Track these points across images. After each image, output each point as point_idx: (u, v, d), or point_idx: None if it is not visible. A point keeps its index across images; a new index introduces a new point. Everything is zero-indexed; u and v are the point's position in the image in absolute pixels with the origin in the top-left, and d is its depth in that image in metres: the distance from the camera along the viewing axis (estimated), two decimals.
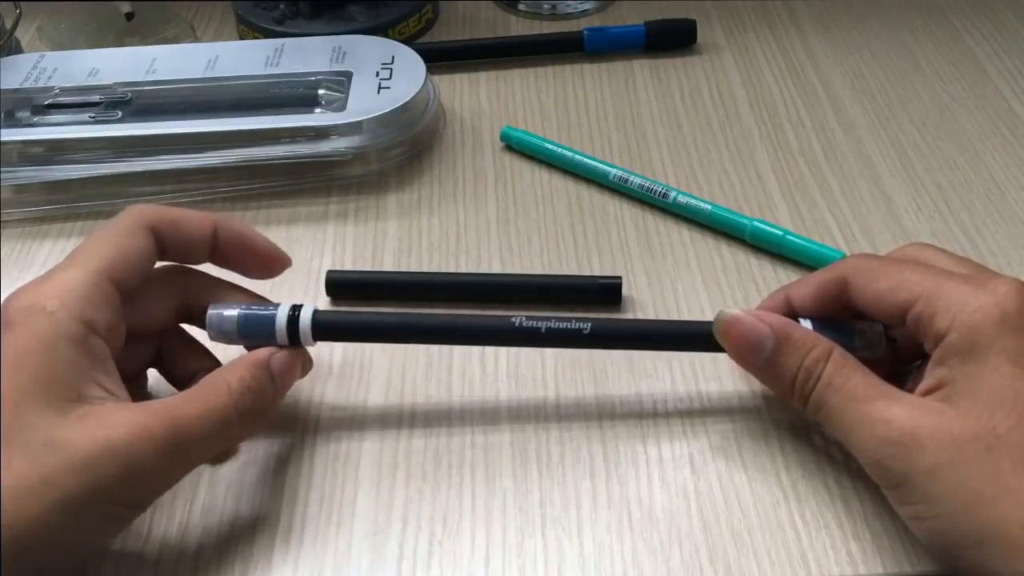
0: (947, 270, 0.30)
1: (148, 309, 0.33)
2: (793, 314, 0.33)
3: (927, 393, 0.29)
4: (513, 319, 0.34)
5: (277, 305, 0.33)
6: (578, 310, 0.39)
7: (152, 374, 0.36)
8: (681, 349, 0.35)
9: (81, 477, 0.27)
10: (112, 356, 0.30)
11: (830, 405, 0.30)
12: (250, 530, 0.32)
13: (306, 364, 0.34)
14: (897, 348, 0.33)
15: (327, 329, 0.33)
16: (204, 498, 0.33)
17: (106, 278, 0.30)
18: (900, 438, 0.27)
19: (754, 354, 0.31)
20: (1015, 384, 0.27)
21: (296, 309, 0.33)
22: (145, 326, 0.33)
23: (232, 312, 0.33)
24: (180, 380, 0.35)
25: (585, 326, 0.33)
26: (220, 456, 0.34)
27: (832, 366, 0.30)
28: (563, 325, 0.33)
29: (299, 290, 0.41)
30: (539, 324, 0.33)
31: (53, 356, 0.28)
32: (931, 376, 0.29)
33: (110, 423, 0.28)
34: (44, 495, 0.26)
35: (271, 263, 0.35)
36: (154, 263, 0.33)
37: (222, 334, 0.33)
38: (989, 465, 0.26)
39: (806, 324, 0.32)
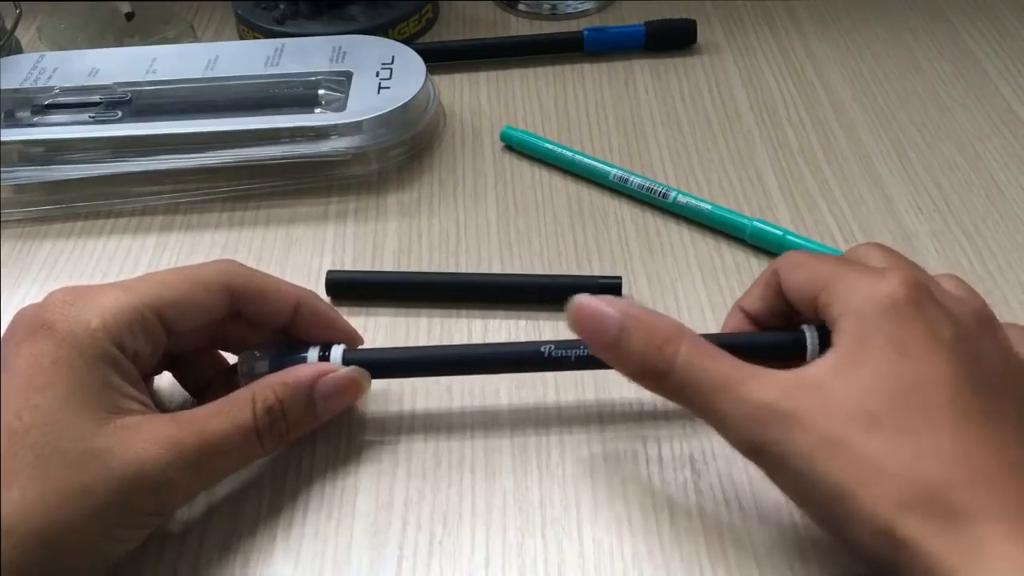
0: (859, 263, 0.31)
1: (183, 342, 0.33)
2: (754, 324, 0.34)
3: (814, 371, 0.28)
4: (542, 349, 0.33)
5: (307, 347, 0.33)
6: None
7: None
8: None
9: (118, 488, 0.27)
10: (142, 375, 0.31)
11: (695, 387, 0.29)
12: (250, 530, 0.32)
13: (362, 385, 0.33)
14: None
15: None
16: (204, 497, 0.33)
17: (155, 313, 0.31)
18: (780, 420, 0.27)
19: (603, 336, 0.30)
20: (895, 369, 0.27)
21: (326, 350, 0.33)
22: (174, 352, 0.33)
23: (264, 361, 0.33)
24: (194, 386, 0.35)
25: None
26: None
27: (690, 348, 0.29)
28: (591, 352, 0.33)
29: None
30: (569, 353, 0.33)
31: (91, 371, 0.29)
32: (823, 358, 0.28)
33: (146, 437, 0.28)
34: (81, 503, 0.27)
35: (346, 342, 0.34)
36: (217, 319, 0.32)
37: (252, 378, 0.33)
38: (865, 448, 0.26)
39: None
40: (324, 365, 0.33)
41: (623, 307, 0.31)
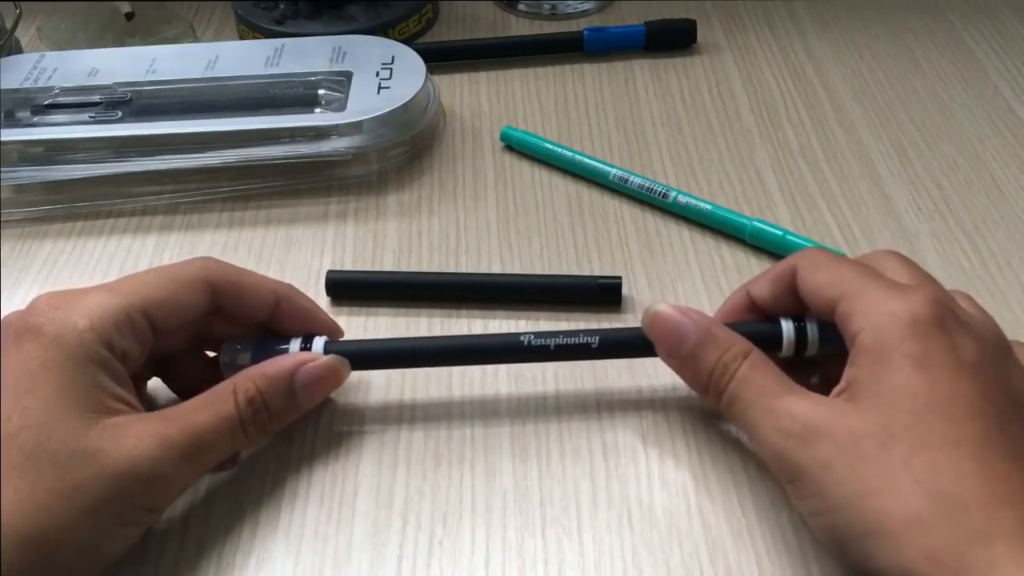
0: (883, 276, 0.30)
1: (168, 341, 0.33)
2: (754, 307, 0.34)
3: (839, 394, 0.29)
4: (522, 338, 0.33)
5: (289, 339, 0.34)
6: (578, 310, 0.39)
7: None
8: None
9: (110, 484, 0.28)
10: (131, 376, 0.31)
11: (742, 400, 0.30)
12: (251, 530, 0.32)
13: (341, 373, 0.34)
14: None
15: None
16: (205, 497, 0.33)
17: (141, 313, 0.31)
18: (802, 431, 0.28)
19: (677, 347, 0.32)
20: (914, 385, 0.27)
21: (308, 341, 0.34)
22: (159, 351, 0.33)
23: (245, 352, 0.33)
24: (183, 390, 0.35)
25: (593, 340, 0.33)
26: (224, 464, 0.34)
27: (748, 364, 0.30)
28: (571, 341, 0.33)
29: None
30: (548, 341, 0.33)
31: (79, 372, 0.29)
32: (844, 377, 0.29)
33: (135, 434, 0.29)
34: (74, 502, 0.27)
35: (328, 336, 0.35)
36: (200, 316, 0.33)
37: (235, 370, 0.33)
38: (881, 460, 0.26)
39: (812, 327, 0.33)
40: (303, 355, 0.33)
41: (700, 320, 0.32)
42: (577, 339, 0.33)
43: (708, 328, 0.31)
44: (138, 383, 0.35)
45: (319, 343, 0.34)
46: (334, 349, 0.34)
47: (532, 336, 0.33)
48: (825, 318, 0.31)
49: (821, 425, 0.27)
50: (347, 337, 0.36)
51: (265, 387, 0.32)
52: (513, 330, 0.39)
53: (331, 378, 0.33)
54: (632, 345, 0.34)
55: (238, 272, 0.34)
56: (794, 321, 0.33)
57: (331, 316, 0.36)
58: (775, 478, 0.31)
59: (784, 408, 0.29)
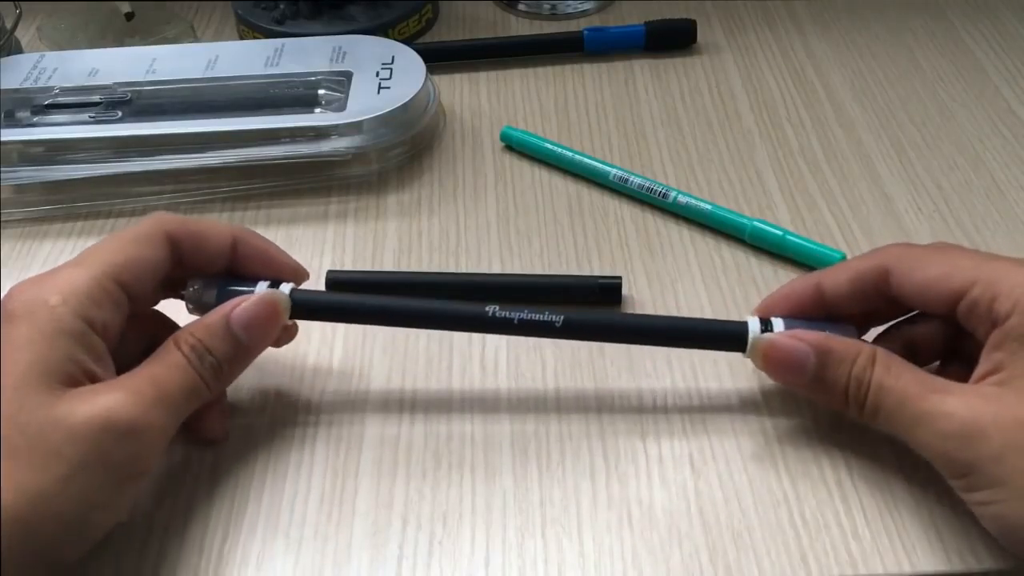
0: (997, 255, 0.30)
1: (143, 305, 0.33)
2: (824, 303, 0.33)
3: (983, 378, 0.29)
4: (487, 309, 0.33)
5: (255, 283, 0.34)
6: (578, 311, 0.39)
7: None
8: (653, 343, 0.35)
9: (84, 446, 0.27)
10: (109, 350, 0.31)
11: (885, 408, 0.30)
12: (251, 529, 0.32)
13: (278, 308, 0.33)
14: (917, 349, 0.33)
15: (303, 308, 0.34)
16: (204, 497, 0.33)
17: (112, 280, 0.31)
18: (962, 429, 0.27)
19: (798, 374, 0.31)
20: None
21: (275, 287, 0.34)
22: (134, 313, 0.33)
23: (210, 290, 0.34)
24: None
25: (558, 319, 0.33)
26: (211, 437, 0.34)
27: (880, 369, 0.30)
28: (535, 317, 0.33)
29: None
30: (512, 315, 0.33)
31: (52, 346, 0.29)
32: (988, 360, 0.29)
33: (106, 391, 0.29)
34: (49, 469, 0.27)
35: (291, 277, 0.35)
36: (167, 271, 0.33)
37: (200, 307, 0.34)
38: None
39: (778, 324, 0.33)
40: (241, 298, 0.33)
41: (813, 339, 0.31)
42: (542, 316, 0.33)
43: (823, 345, 0.31)
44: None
45: (285, 289, 0.34)
46: (299, 297, 0.34)
47: (497, 308, 0.33)
48: (938, 310, 0.31)
49: (982, 420, 0.27)
50: (346, 336, 0.36)
51: (203, 335, 0.32)
52: None
53: (268, 314, 0.33)
54: (596, 329, 0.34)
55: (193, 220, 0.34)
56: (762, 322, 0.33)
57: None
58: (938, 473, 0.30)
59: (936, 409, 0.28)
